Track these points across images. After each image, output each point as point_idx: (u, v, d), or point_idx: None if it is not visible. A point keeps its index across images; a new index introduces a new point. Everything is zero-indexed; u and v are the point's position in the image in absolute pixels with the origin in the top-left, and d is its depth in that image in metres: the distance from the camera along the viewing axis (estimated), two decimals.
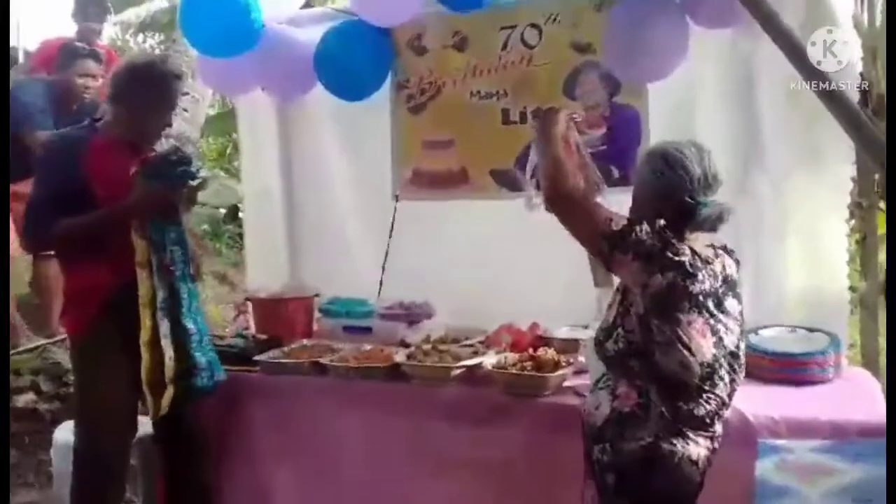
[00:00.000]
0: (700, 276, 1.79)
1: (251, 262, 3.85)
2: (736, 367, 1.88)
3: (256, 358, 2.82)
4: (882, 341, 2.90)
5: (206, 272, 4.74)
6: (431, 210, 3.24)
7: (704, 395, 1.81)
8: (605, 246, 1.82)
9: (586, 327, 2.71)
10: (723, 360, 1.83)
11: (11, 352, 3.80)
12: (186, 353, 2.45)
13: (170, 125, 2.57)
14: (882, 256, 2.89)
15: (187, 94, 4.01)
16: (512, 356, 2.58)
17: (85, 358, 2.52)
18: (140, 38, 9.82)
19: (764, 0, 2.03)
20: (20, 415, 3.59)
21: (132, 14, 9.13)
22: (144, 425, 2.65)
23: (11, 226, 3.80)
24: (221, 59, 3.22)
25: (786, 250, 2.70)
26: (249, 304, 3.34)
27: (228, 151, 8.37)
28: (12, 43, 5.68)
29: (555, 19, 2.93)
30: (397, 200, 3.28)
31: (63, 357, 3.82)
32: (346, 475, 2.63)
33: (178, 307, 2.46)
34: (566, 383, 2.44)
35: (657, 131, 2.74)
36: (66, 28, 4.61)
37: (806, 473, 2.06)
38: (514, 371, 2.46)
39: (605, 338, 1.91)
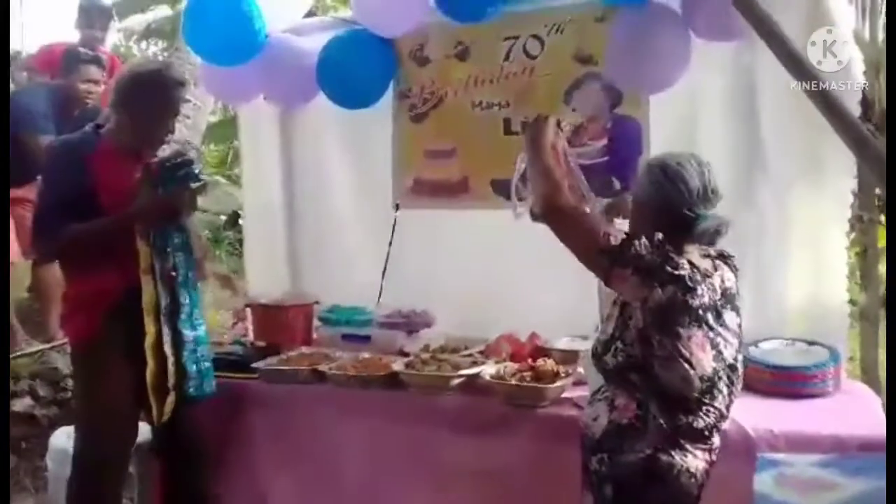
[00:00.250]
0: (699, 290, 1.79)
1: (251, 269, 3.85)
2: (734, 379, 1.87)
3: (255, 365, 2.81)
4: (882, 354, 2.90)
5: (210, 276, 4.74)
6: (432, 219, 3.24)
7: (704, 409, 1.81)
8: (604, 261, 1.81)
9: (586, 338, 2.70)
10: (722, 373, 1.83)
11: (10, 356, 3.79)
12: (178, 361, 2.45)
13: (172, 132, 2.58)
14: (882, 269, 2.90)
15: (189, 101, 4.02)
16: (511, 366, 2.57)
17: (87, 364, 2.51)
18: (143, 45, 9.85)
19: (766, 15, 2.04)
20: (17, 419, 3.58)
21: (136, 21, 9.17)
22: (142, 433, 2.64)
23: (12, 230, 3.81)
24: (224, 67, 3.23)
25: (786, 263, 2.70)
26: (248, 311, 3.34)
27: (229, 159, 8.38)
28: (16, 46, 5.72)
29: (557, 30, 2.94)
30: (398, 209, 3.28)
31: (61, 362, 3.81)
32: (344, 483, 2.62)
33: (178, 314, 2.46)
34: (565, 394, 2.43)
35: (658, 143, 2.75)
36: (71, 34, 4.62)
37: (805, 488, 2.05)
38: (513, 381, 2.46)
39: (603, 351, 1.90)
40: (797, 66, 1.95)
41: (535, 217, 2.01)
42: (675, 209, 1.85)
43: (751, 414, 2.16)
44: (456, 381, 2.54)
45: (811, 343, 2.55)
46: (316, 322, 3.26)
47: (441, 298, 3.11)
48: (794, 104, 2.36)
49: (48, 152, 2.67)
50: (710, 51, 2.66)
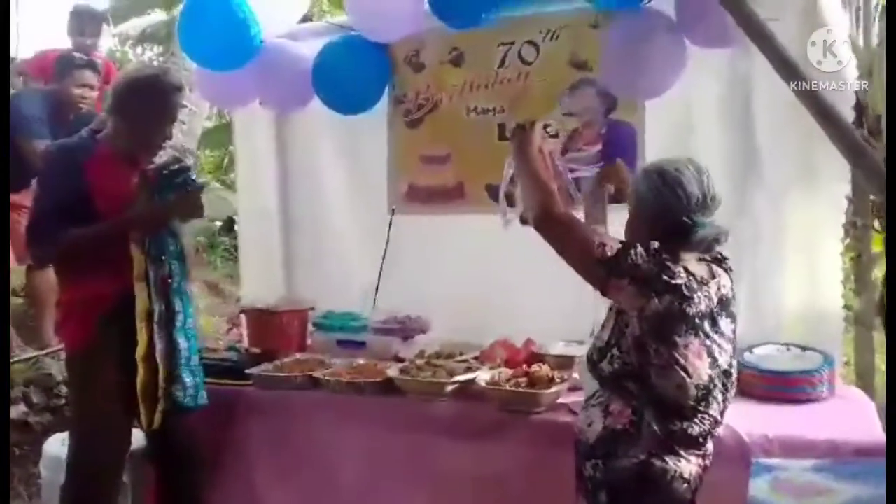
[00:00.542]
0: (696, 299, 1.78)
1: (246, 275, 3.85)
2: (728, 385, 1.87)
3: (249, 371, 2.81)
4: (877, 359, 2.90)
5: (197, 281, 4.73)
6: (427, 224, 3.24)
7: (699, 416, 1.81)
8: (601, 272, 1.79)
9: (581, 343, 2.70)
10: (717, 380, 1.83)
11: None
12: (174, 370, 2.44)
13: (170, 137, 2.57)
14: (876, 274, 2.90)
15: (185, 106, 4.01)
16: (506, 372, 2.57)
17: (81, 370, 2.50)
18: (139, 50, 9.85)
19: (760, 22, 2.04)
20: (11, 426, 3.56)
21: (131, 26, 9.18)
22: (136, 440, 2.63)
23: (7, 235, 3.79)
24: (220, 73, 3.23)
25: (781, 268, 2.71)
26: (242, 317, 3.33)
27: (224, 164, 8.38)
28: (11, 51, 5.70)
29: (552, 36, 2.94)
30: (393, 214, 3.28)
31: (55, 368, 3.79)
32: (339, 490, 2.61)
33: (172, 322, 2.45)
34: (560, 400, 2.43)
35: (653, 148, 2.75)
36: (64, 41, 4.61)
37: (800, 493, 2.05)
38: (507, 387, 2.45)
39: (599, 358, 1.89)
40: (787, 67, 1.96)
41: (525, 221, 2.00)
42: (672, 216, 1.83)
43: (745, 419, 2.16)
44: (451, 387, 2.53)
45: (806, 348, 2.55)
46: (310, 328, 3.26)
47: (436, 304, 3.11)
48: (788, 110, 2.36)
49: (44, 157, 2.67)
50: (706, 57, 2.66)
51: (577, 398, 2.37)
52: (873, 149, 2.23)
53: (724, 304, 1.86)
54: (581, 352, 2.55)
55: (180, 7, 3.43)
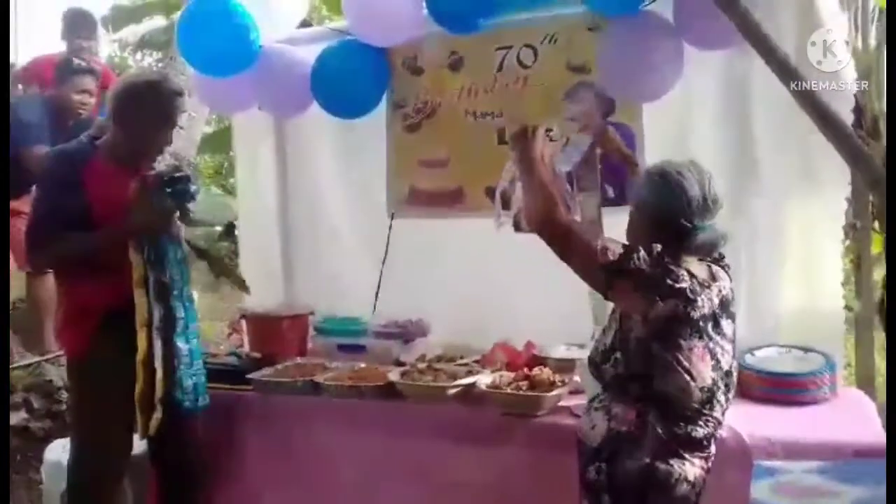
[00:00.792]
0: (700, 302, 1.78)
1: (246, 279, 3.83)
2: (730, 385, 1.88)
3: (250, 376, 2.80)
4: (878, 361, 2.90)
5: (198, 285, 4.72)
6: (427, 228, 3.24)
7: (703, 419, 1.81)
8: (604, 276, 1.79)
9: (582, 346, 2.70)
10: (720, 382, 1.83)
11: None
12: (173, 374, 2.44)
13: (170, 143, 2.57)
14: (876, 276, 2.90)
15: (185, 111, 4.01)
16: (507, 375, 2.57)
17: (82, 376, 2.50)
18: (138, 55, 9.87)
19: (755, 23, 2.05)
20: (11, 432, 3.55)
21: (130, 32, 9.19)
22: (137, 445, 2.63)
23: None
24: (219, 78, 3.23)
25: (781, 270, 2.71)
26: (243, 322, 3.33)
27: (224, 169, 8.38)
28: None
29: (550, 40, 2.94)
30: (393, 218, 3.28)
31: (55, 374, 3.79)
32: (340, 494, 2.61)
33: (172, 327, 2.45)
34: (562, 403, 2.43)
35: (652, 150, 2.75)
36: (59, 46, 4.61)
37: (802, 495, 2.05)
38: (509, 390, 2.45)
39: (602, 360, 1.89)
40: (782, 68, 1.96)
41: (518, 226, 2.00)
42: (674, 220, 1.83)
43: (747, 422, 2.16)
44: (452, 391, 2.53)
45: (807, 350, 2.55)
46: (311, 332, 3.25)
47: (436, 308, 3.11)
48: (787, 112, 2.37)
49: (43, 162, 2.66)
50: (704, 60, 2.67)
51: (578, 401, 2.37)
52: (871, 150, 2.23)
53: (725, 305, 1.86)
54: (582, 355, 2.55)
55: (179, 13, 3.43)
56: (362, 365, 2.87)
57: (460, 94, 3.12)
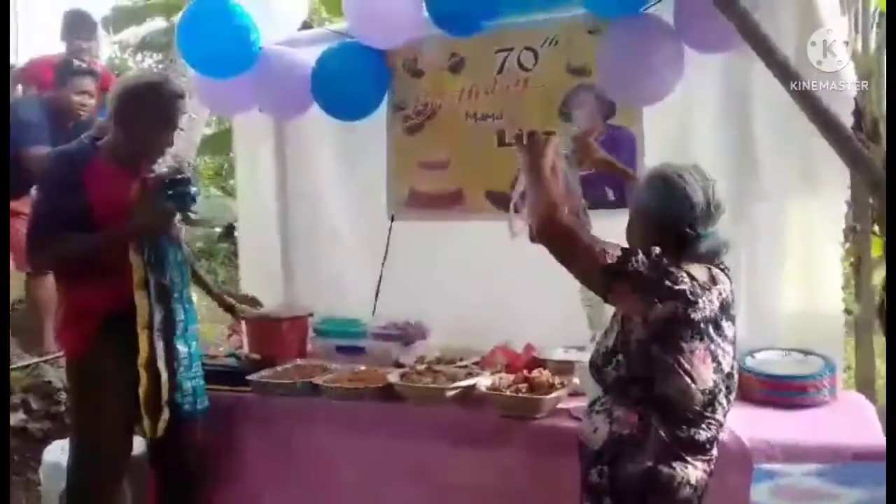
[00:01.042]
0: (700, 304, 1.77)
1: (246, 281, 3.84)
2: (731, 387, 1.87)
3: (249, 378, 2.80)
4: (878, 363, 2.90)
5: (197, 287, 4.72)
6: (427, 230, 3.24)
7: (706, 421, 1.80)
8: (603, 279, 1.78)
9: (582, 349, 2.70)
10: (721, 385, 1.82)
11: None
12: (174, 376, 2.44)
13: (171, 144, 2.57)
14: (876, 279, 2.90)
15: (185, 113, 4.01)
16: (506, 378, 2.57)
17: (82, 377, 2.50)
18: (139, 57, 9.89)
19: (756, 24, 2.05)
20: (10, 433, 3.56)
21: (131, 34, 9.20)
22: (137, 446, 2.63)
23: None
24: (219, 80, 3.23)
25: (781, 273, 2.70)
26: (243, 324, 3.33)
27: (224, 170, 8.39)
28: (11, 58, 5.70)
29: (551, 42, 2.95)
30: (393, 220, 3.28)
31: (54, 375, 3.78)
32: (339, 496, 2.61)
33: (173, 329, 2.45)
34: (561, 405, 2.43)
35: (653, 153, 2.75)
36: (58, 47, 4.60)
37: (802, 498, 2.04)
38: (508, 393, 2.45)
39: (603, 363, 1.89)
40: (781, 68, 1.96)
41: (534, 238, 2.00)
42: (676, 225, 1.82)
43: (747, 425, 2.16)
44: (451, 393, 2.53)
45: (807, 353, 2.55)
46: (311, 333, 3.25)
47: (436, 310, 3.10)
48: (787, 114, 2.36)
49: (44, 163, 2.66)
50: (704, 62, 2.67)
51: (577, 403, 2.36)
52: (871, 153, 2.23)
53: (726, 307, 1.86)
54: (581, 357, 2.55)
55: (180, 15, 3.43)
56: (362, 367, 2.86)
57: (461, 96, 3.12)
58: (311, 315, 3.25)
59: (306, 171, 3.56)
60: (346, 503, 2.60)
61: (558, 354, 2.75)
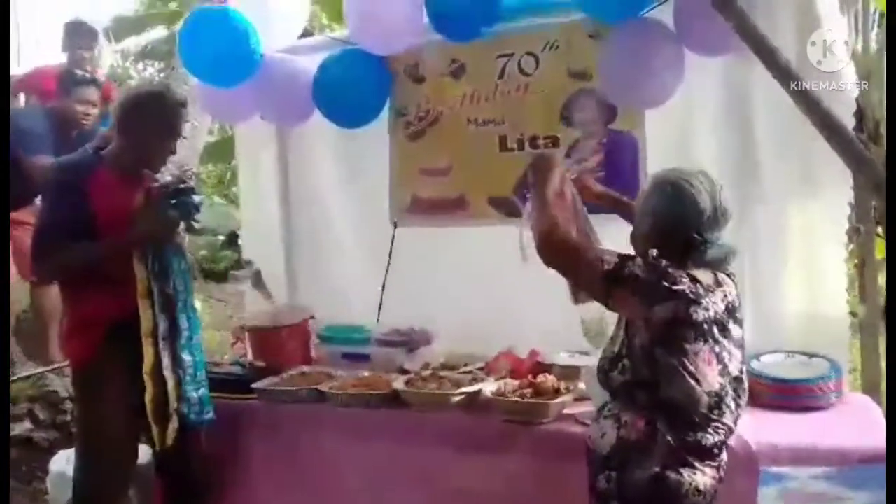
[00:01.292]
0: (703, 304, 1.78)
1: (249, 288, 3.84)
2: (740, 392, 1.87)
3: (254, 385, 2.80)
4: (883, 365, 2.89)
5: (202, 297, 4.74)
6: (430, 236, 3.24)
7: (712, 425, 1.79)
8: (603, 287, 1.80)
9: (586, 354, 2.70)
10: (728, 387, 1.82)
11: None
12: (180, 385, 2.45)
13: (174, 153, 2.59)
14: (881, 280, 2.89)
15: (187, 121, 4.03)
16: (511, 383, 2.57)
17: (87, 386, 2.51)
18: (140, 66, 9.91)
19: (754, 25, 2.05)
20: (16, 443, 3.56)
21: (132, 42, 9.23)
22: (142, 455, 2.63)
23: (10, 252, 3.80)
24: (221, 88, 3.24)
25: (784, 275, 2.70)
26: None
27: (227, 178, 8.41)
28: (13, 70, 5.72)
29: (551, 47, 2.95)
30: (396, 227, 3.28)
31: (60, 385, 3.79)
32: (344, 502, 2.61)
33: (177, 338, 2.46)
34: (567, 410, 2.43)
35: (654, 157, 2.75)
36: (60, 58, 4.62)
37: (809, 502, 2.04)
38: (513, 398, 2.45)
39: (609, 368, 1.89)
40: (780, 70, 1.96)
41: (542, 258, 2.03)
42: (684, 231, 1.83)
43: (753, 428, 2.15)
44: (457, 399, 2.53)
45: (812, 355, 2.54)
46: (315, 340, 3.25)
47: (440, 315, 3.10)
48: (789, 117, 2.36)
49: (47, 174, 2.68)
50: (706, 65, 2.67)
51: (583, 408, 2.37)
52: (872, 154, 2.22)
53: (732, 311, 1.86)
54: (586, 362, 2.55)
55: (181, 23, 3.44)
56: (366, 373, 2.86)
57: (462, 101, 3.13)
58: (312, 318, 3.24)
59: (309, 179, 3.56)
60: None
61: (563, 359, 2.74)
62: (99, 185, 2.45)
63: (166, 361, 2.42)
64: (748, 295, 2.55)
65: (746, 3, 2.13)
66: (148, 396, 2.41)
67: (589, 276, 1.82)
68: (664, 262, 1.79)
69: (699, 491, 1.78)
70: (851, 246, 2.77)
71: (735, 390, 1.84)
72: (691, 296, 1.76)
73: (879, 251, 2.91)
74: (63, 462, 2.91)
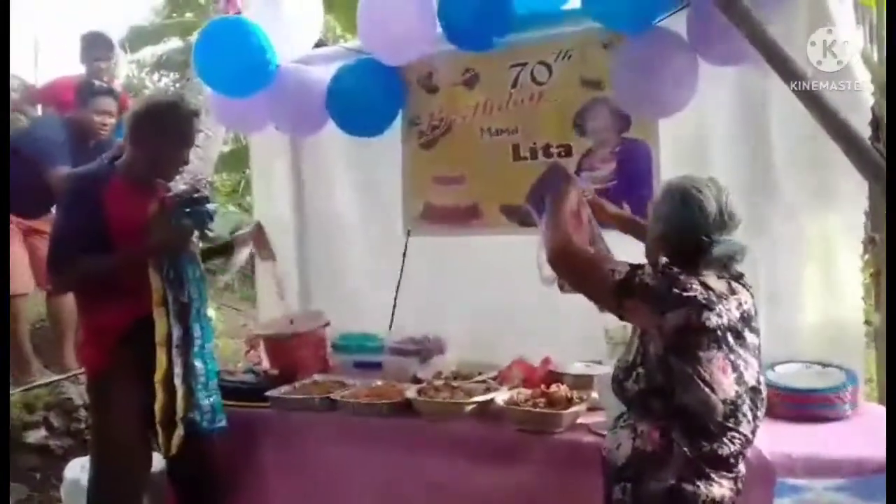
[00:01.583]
0: (716, 310, 1.77)
1: (263, 297, 3.86)
2: (758, 402, 1.85)
3: (267, 394, 2.81)
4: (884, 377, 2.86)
5: (216, 306, 4.76)
6: (443, 245, 3.25)
7: (728, 434, 1.78)
8: (615, 297, 1.82)
9: (599, 363, 2.69)
10: (745, 396, 1.81)
11: (24, 387, 3.80)
12: (192, 393, 2.46)
13: (187, 162, 2.61)
14: None
15: (201, 131, 4.06)
16: (524, 392, 2.56)
17: (102, 394, 2.52)
18: (155, 76, 10.00)
19: (763, 29, 2.03)
20: (31, 451, 3.59)
21: (147, 53, 9.32)
22: (157, 462, 2.64)
23: (28, 260, 3.84)
24: (235, 98, 3.26)
25: (800, 285, 2.68)
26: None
27: (241, 187, 8.45)
28: (30, 79, 5.81)
29: (564, 56, 2.95)
30: (409, 236, 3.29)
31: (75, 392, 3.81)
32: None
33: (191, 346, 2.47)
34: (579, 420, 2.42)
35: (668, 166, 2.75)
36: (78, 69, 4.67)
37: None
38: (526, 407, 2.44)
39: (624, 377, 1.89)
40: (788, 71, 1.94)
41: (563, 289, 2.05)
42: (691, 234, 1.84)
43: (768, 438, 2.13)
44: (469, 408, 2.53)
45: (828, 365, 2.52)
46: (329, 349, 3.26)
47: (453, 324, 3.11)
48: (803, 126, 2.35)
49: (65, 183, 2.70)
50: (719, 75, 2.66)
51: (596, 418, 2.36)
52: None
53: (747, 319, 1.85)
54: (599, 371, 2.54)
55: (196, 34, 3.47)
56: (379, 382, 2.87)
57: (475, 111, 3.14)
58: (327, 324, 3.24)
59: (322, 188, 3.58)
60: None
61: (576, 369, 2.74)
62: (113, 195, 2.47)
63: (178, 370, 2.44)
64: (763, 304, 2.53)
65: (757, 10, 2.11)
66: (158, 404, 2.42)
67: (601, 287, 1.84)
68: (675, 269, 1.80)
69: (716, 503, 1.77)
70: (867, 255, 2.75)
71: (752, 400, 1.83)
72: (703, 301, 1.76)
73: None
74: (77, 470, 2.92)
